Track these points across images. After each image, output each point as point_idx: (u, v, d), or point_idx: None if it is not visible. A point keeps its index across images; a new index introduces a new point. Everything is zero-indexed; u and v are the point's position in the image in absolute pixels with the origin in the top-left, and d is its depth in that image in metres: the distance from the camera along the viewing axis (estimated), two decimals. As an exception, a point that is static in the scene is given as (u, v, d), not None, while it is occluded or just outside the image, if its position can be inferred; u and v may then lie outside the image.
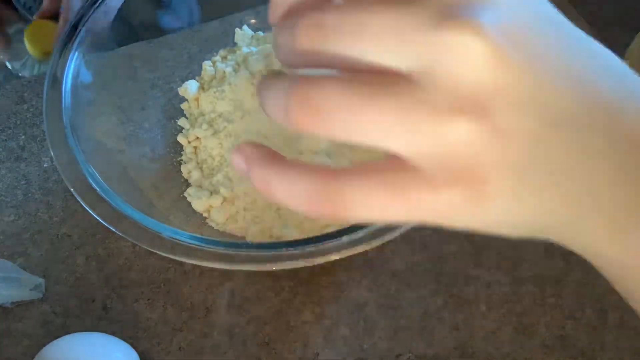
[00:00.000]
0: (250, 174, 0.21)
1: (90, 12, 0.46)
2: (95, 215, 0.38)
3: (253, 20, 0.56)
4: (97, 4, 0.46)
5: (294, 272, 0.45)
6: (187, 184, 0.48)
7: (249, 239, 0.44)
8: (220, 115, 0.48)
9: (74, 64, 0.44)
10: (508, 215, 0.18)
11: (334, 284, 0.44)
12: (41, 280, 0.45)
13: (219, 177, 0.46)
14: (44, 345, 0.40)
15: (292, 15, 0.20)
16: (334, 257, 0.36)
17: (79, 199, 0.39)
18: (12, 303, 0.45)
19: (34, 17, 0.56)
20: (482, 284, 0.44)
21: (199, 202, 0.45)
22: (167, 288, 0.45)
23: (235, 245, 0.37)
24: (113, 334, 0.43)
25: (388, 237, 0.37)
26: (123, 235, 0.38)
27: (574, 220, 0.19)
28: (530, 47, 0.17)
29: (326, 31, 0.18)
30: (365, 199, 0.18)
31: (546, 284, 0.43)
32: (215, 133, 0.47)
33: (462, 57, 0.17)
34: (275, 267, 0.36)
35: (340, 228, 0.38)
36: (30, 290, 0.45)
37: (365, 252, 0.44)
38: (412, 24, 0.17)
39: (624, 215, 0.18)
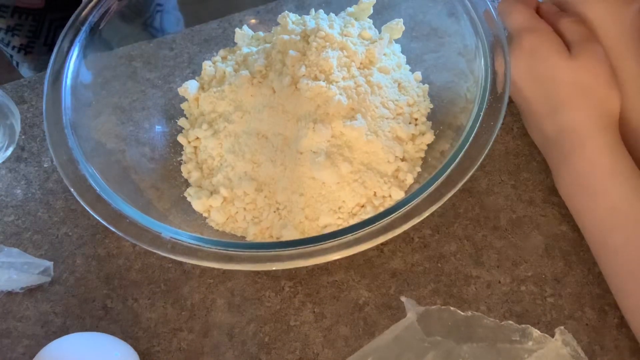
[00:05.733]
0: None
1: (91, 12, 0.46)
2: (95, 215, 0.38)
3: (253, 20, 0.56)
4: (99, 4, 0.46)
5: (294, 272, 0.45)
6: (187, 184, 0.48)
7: (249, 239, 0.44)
8: (220, 115, 0.48)
9: (74, 64, 0.44)
10: None
11: (334, 284, 0.44)
12: (49, 264, 0.45)
13: (219, 177, 0.46)
14: (44, 345, 0.40)
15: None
16: (334, 257, 0.36)
17: (79, 199, 0.39)
18: (22, 288, 0.45)
19: None
20: (482, 284, 0.44)
21: (199, 202, 0.45)
22: (167, 288, 0.45)
23: (235, 245, 0.37)
24: (113, 334, 0.43)
25: (388, 237, 0.37)
26: (123, 235, 0.38)
27: None
28: None
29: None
30: None
31: (546, 284, 0.43)
32: (215, 133, 0.47)
33: None
34: (275, 267, 0.36)
35: (340, 228, 0.38)
36: (39, 274, 0.45)
37: (365, 252, 0.45)
38: None
39: None
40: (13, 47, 0.71)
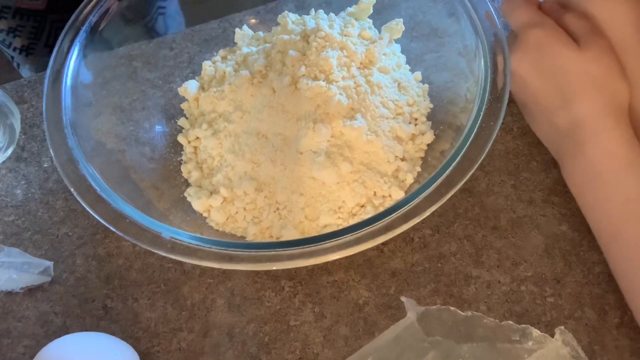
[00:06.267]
0: None
1: (91, 12, 0.46)
2: (95, 215, 0.38)
3: (253, 20, 0.56)
4: (99, 4, 0.46)
5: (294, 272, 0.45)
6: (187, 184, 0.48)
7: (249, 239, 0.44)
8: (220, 115, 0.48)
9: (74, 64, 0.45)
10: None
11: (334, 284, 0.44)
12: (49, 264, 0.45)
13: (219, 177, 0.46)
14: (44, 345, 0.40)
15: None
16: (334, 257, 0.36)
17: (79, 199, 0.39)
18: (22, 288, 0.45)
19: None
20: (482, 284, 0.44)
21: (199, 202, 0.45)
22: (167, 288, 0.45)
23: (235, 245, 0.37)
24: (113, 334, 0.43)
25: (388, 237, 0.37)
26: (123, 235, 0.38)
27: None
28: None
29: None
30: None
31: (546, 284, 0.43)
32: (215, 133, 0.47)
33: None
34: (275, 267, 0.36)
35: (340, 228, 0.38)
36: (39, 274, 0.45)
37: (365, 252, 0.45)
38: None
39: None
40: (14, 49, 0.71)
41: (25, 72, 0.75)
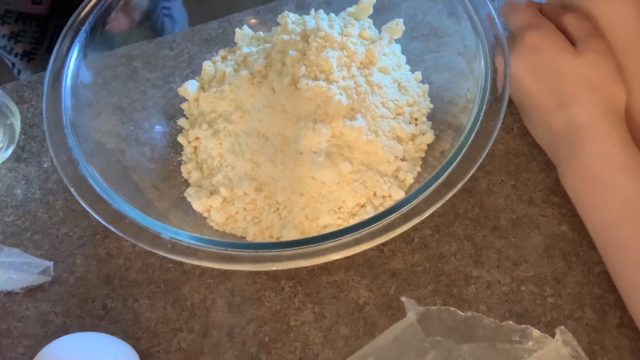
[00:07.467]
0: None
1: (91, 12, 0.46)
2: (95, 215, 0.38)
3: (253, 20, 0.56)
4: (99, 4, 0.46)
5: (294, 272, 0.45)
6: (187, 184, 0.48)
7: (249, 239, 0.44)
8: (220, 115, 0.48)
9: (74, 64, 0.45)
10: None
11: (334, 284, 0.44)
12: (49, 264, 0.45)
13: (219, 177, 0.46)
14: (44, 345, 0.40)
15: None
16: (334, 257, 0.36)
17: (79, 199, 0.39)
18: (22, 288, 0.45)
19: None
20: (482, 284, 0.44)
21: (198, 202, 0.45)
22: (167, 288, 0.45)
23: (235, 245, 0.37)
24: (113, 334, 0.43)
25: (388, 237, 0.37)
26: (123, 235, 0.38)
27: None
28: None
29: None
30: None
31: (546, 284, 0.43)
32: (215, 133, 0.47)
33: None
34: (275, 267, 0.36)
35: (340, 228, 0.38)
36: (39, 274, 0.45)
37: (365, 252, 0.45)
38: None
39: None
40: (16, 54, 0.71)
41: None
